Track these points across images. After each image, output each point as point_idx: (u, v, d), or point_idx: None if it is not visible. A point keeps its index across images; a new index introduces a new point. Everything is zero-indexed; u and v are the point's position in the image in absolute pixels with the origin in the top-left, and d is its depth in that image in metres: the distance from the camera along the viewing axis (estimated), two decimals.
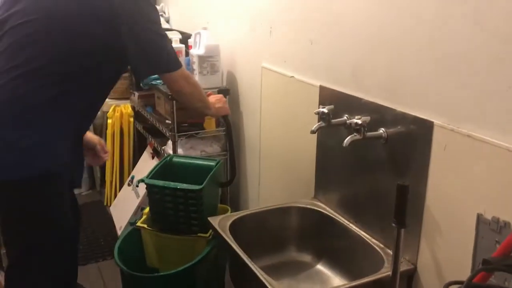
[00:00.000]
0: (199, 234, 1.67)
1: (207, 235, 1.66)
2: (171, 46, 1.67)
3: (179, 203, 1.67)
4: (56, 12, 1.46)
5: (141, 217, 1.81)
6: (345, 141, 1.29)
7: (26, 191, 1.45)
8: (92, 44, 1.49)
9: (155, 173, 1.77)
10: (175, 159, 1.92)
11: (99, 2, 1.48)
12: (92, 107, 1.67)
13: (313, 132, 1.44)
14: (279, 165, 1.95)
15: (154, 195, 1.71)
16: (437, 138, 1.17)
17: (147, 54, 1.56)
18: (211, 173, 1.74)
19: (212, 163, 1.85)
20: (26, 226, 1.51)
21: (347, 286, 1.24)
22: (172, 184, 1.67)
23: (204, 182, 1.67)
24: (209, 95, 1.91)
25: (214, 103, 1.86)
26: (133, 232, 1.79)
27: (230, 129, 2.02)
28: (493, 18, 1.01)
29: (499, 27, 1.00)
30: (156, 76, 2.32)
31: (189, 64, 2.31)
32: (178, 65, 1.63)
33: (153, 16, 1.59)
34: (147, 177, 1.73)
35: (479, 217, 1.07)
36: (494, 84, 1.03)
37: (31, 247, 1.54)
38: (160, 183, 1.69)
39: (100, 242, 2.66)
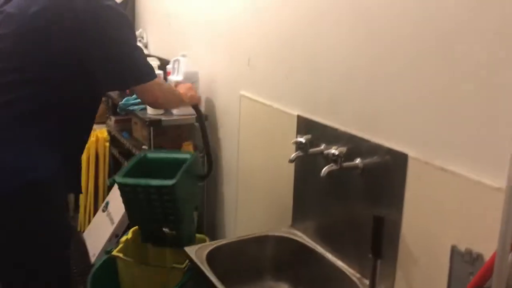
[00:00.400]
0: (174, 265, 1.65)
1: (183, 266, 1.65)
2: (144, 56, 1.61)
3: (153, 201, 1.58)
4: (24, 27, 1.46)
5: (117, 245, 1.78)
6: (322, 171, 1.31)
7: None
8: (60, 58, 1.46)
9: (129, 172, 1.67)
10: (150, 155, 1.85)
11: (66, 15, 1.45)
12: (76, 123, 1.58)
13: (291, 161, 1.45)
14: (257, 193, 1.95)
15: (127, 195, 1.62)
16: (412, 170, 1.20)
17: (118, 66, 1.50)
18: (184, 166, 1.66)
19: (188, 156, 1.79)
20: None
21: None
22: (143, 182, 1.58)
23: (177, 176, 1.58)
24: (177, 86, 1.91)
25: (185, 93, 1.83)
26: (108, 261, 1.75)
27: (202, 120, 1.94)
28: (463, 57, 1.06)
29: (468, 65, 1.05)
30: (134, 101, 2.32)
31: None
32: (152, 75, 1.57)
33: (123, 27, 1.53)
34: (120, 176, 1.63)
35: (453, 249, 1.09)
36: (465, 118, 1.06)
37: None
38: (131, 181, 1.59)
39: (73, 269, 2.59)
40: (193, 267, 1.46)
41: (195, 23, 2.40)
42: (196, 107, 1.91)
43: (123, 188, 1.62)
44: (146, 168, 1.78)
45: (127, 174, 1.66)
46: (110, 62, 1.49)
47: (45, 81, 1.46)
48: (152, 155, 1.87)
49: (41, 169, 1.42)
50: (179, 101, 1.80)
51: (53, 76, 1.46)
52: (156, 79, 1.59)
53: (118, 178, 1.61)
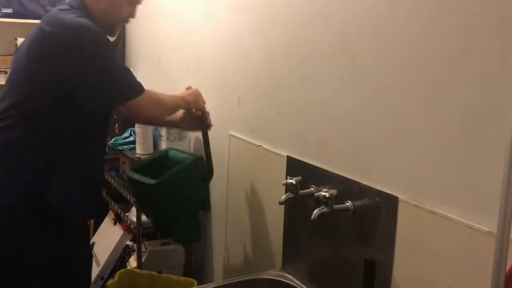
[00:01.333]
0: None
1: None
2: (129, 72, 1.60)
3: (147, 195, 1.70)
4: (16, 64, 1.60)
5: None
6: (313, 213, 1.30)
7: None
8: (42, 88, 1.51)
9: (146, 164, 1.80)
10: (171, 152, 1.91)
11: (45, 46, 1.50)
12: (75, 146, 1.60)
13: (281, 203, 1.45)
14: (246, 234, 1.93)
15: (131, 186, 1.81)
16: (402, 212, 1.20)
17: (100, 86, 1.51)
18: (176, 168, 1.71)
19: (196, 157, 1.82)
20: None
21: None
22: (136, 176, 1.69)
23: (164, 176, 1.63)
24: (188, 89, 1.87)
25: (185, 97, 1.77)
26: None
27: (205, 127, 1.85)
28: (450, 102, 1.08)
29: (456, 110, 1.07)
30: (122, 140, 2.31)
31: (156, 129, 2.32)
32: (138, 90, 1.56)
33: (100, 46, 1.51)
34: (132, 168, 1.79)
35: None
36: (454, 162, 1.08)
37: None
38: (130, 174, 1.73)
39: None
40: None
41: (184, 64, 2.43)
42: (201, 118, 1.84)
43: (128, 179, 1.80)
44: (163, 163, 1.86)
45: (143, 166, 1.79)
46: (92, 83, 1.50)
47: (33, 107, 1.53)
48: (173, 152, 1.92)
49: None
50: (175, 107, 1.75)
51: (39, 101, 1.52)
52: (145, 93, 1.57)
53: (128, 171, 1.79)
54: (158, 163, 1.83)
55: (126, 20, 1.72)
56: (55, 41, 1.48)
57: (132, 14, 1.69)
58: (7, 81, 1.61)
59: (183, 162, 1.77)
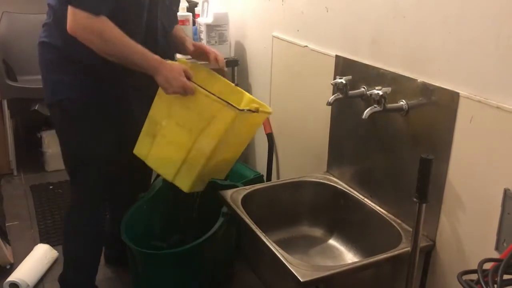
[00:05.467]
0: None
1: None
2: None
3: None
4: None
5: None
6: (365, 112, 1.24)
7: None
8: None
9: None
10: None
11: None
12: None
13: (329, 104, 1.38)
14: (290, 139, 1.90)
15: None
16: (463, 110, 1.12)
17: None
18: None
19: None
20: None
21: (365, 262, 1.20)
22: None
23: None
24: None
25: (162, 70, 1.40)
26: (140, 207, 1.74)
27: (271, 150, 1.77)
28: None
29: None
30: None
31: (196, 33, 2.24)
32: (81, 3, 1.32)
33: None
34: None
35: (506, 192, 1.03)
36: None
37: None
38: None
39: None
40: (228, 210, 1.44)
41: None
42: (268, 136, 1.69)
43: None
44: None
45: None
46: None
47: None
48: None
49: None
50: (138, 63, 1.41)
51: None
52: (96, 17, 1.33)
53: None
54: None
55: None
56: None
57: None
58: None
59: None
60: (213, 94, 1.40)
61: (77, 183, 1.62)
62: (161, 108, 1.48)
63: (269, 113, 1.56)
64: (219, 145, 1.42)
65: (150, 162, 1.54)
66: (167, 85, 1.41)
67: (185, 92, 1.40)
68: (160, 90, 1.47)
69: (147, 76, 1.42)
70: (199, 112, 1.42)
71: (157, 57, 1.42)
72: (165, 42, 1.62)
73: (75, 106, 1.53)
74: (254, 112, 1.42)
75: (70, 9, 1.34)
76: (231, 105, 1.37)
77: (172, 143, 1.48)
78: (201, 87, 1.42)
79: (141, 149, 1.55)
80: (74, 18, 1.34)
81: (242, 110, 1.40)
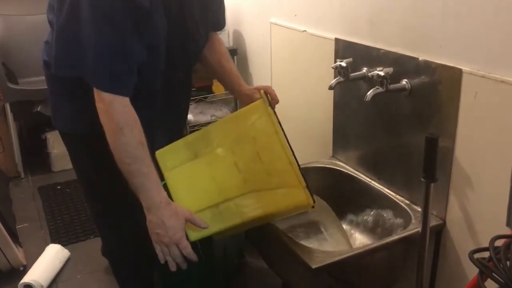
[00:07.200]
0: None
1: None
2: (118, 57, 1.08)
3: None
4: None
5: None
6: (368, 94, 1.23)
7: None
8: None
9: None
10: None
11: None
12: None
13: (331, 88, 1.37)
14: (294, 125, 1.88)
15: None
16: (466, 86, 1.10)
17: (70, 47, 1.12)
18: None
19: None
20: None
21: (376, 244, 1.20)
22: None
23: None
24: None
25: (162, 212, 1.10)
26: None
27: None
28: None
29: None
30: None
31: None
32: (102, 83, 1.08)
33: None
34: None
35: None
36: None
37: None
38: None
39: None
40: None
41: None
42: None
43: None
44: None
45: None
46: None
47: None
48: None
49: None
50: (134, 183, 1.10)
51: None
52: (117, 97, 1.08)
53: None
54: None
55: None
56: None
57: None
58: None
59: None
60: (298, 164, 1.13)
61: None
62: (228, 133, 1.21)
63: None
64: (263, 218, 1.16)
65: (169, 178, 1.23)
66: (159, 231, 1.09)
67: (176, 247, 1.10)
68: (249, 109, 1.20)
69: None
70: (269, 172, 1.14)
71: (164, 193, 1.12)
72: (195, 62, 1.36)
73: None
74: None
75: (98, 94, 1.09)
76: (310, 192, 1.11)
77: (214, 178, 1.18)
78: (287, 139, 1.15)
79: (168, 157, 1.24)
80: (98, 102, 1.09)
81: (313, 206, 1.13)
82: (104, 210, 1.37)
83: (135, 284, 1.48)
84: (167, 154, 1.25)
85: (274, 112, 1.19)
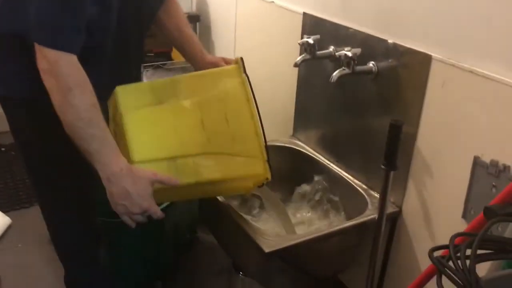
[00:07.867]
0: None
1: None
2: (60, 14, 0.96)
3: None
4: None
5: None
6: (333, 75, 1.18)
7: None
8: None
9: None
10: None
11: None
12: None
13: (296, 65, 1.31)
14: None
15: None
16: (435, 73, 1.07)
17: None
18: None
19: None
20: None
21: (331, 230, 1.17)
22: None
23: None
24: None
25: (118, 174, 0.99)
26: None
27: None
28: None
29: None
30: None
31: None
32: (49, 41, 0.96)
33: None
34: None
35: (476, 160, 1.00)
36: (500, 13, 0.92)
37: None
38: None
39: None
40: None
41: None
42: None
43: None
44: None
45: None
46: None
47: None
48: None
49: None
50: (91, 146, 0.99)
51: None
52: (64, 55, 0.96)
53: None
54: None
55: None
56: None
57: None
58: None
59: None
60: (264, 138, 1.12)
61: None
62: (197, 88, 1.14)
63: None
64: (218, 183, 1.11)
65: (126, 117, 1.08)
66: (124, 202, 1.00)
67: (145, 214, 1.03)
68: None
69: None
70: (234, 138, 1.10)
71: (123, 159, 1.01)
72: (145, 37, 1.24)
73: None
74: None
75: (40, 50, 0.96)
76: (269, 167, 1.11)
77: (176, 130, 1.09)
78: (258, 112, 1.13)
79: (130, 97, 1.11)
80: (40, 58, 0.97)
81: (267, 181, 1.13)
82: (48, 189, 1.24)
83: (79, 264, 1.37)
84: (129, 93, 1.11)
85: (249, 80, 1.14)
